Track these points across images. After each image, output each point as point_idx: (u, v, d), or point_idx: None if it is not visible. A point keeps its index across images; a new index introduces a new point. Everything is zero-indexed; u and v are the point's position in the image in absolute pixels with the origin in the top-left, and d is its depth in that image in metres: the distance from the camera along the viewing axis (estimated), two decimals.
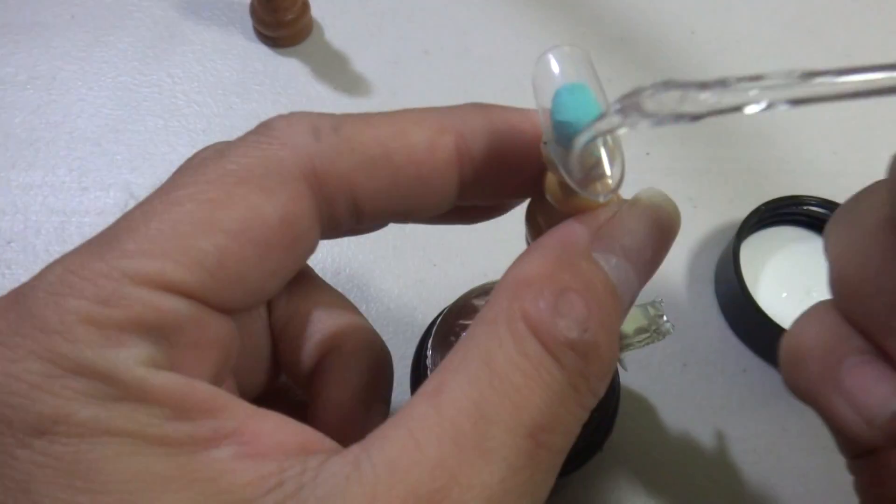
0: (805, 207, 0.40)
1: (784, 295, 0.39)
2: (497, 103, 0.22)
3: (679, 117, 0.16)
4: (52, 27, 0.49)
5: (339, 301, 0.24)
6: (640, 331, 0.25)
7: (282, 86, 0.47)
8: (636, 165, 0.45)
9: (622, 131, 0.17)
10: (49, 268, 0.17)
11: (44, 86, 0.46)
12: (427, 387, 0.17)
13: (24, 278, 0.17)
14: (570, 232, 0.19)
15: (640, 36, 0.51)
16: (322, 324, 0.23)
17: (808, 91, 0.16)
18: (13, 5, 0.50)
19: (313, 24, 0.50)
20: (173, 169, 0.20)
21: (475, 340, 0.18)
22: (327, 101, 0.46)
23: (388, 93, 0.47)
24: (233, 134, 0.20)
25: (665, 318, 0.24)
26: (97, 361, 0.16)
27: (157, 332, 0.17)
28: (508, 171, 0.21)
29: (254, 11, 0.48)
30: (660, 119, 0.16)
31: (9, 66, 0.47)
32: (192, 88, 0.47)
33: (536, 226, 0.22)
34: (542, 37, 0.51)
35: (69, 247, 0.18)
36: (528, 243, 0.23)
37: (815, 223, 0.40)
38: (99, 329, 0.16)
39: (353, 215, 0.20)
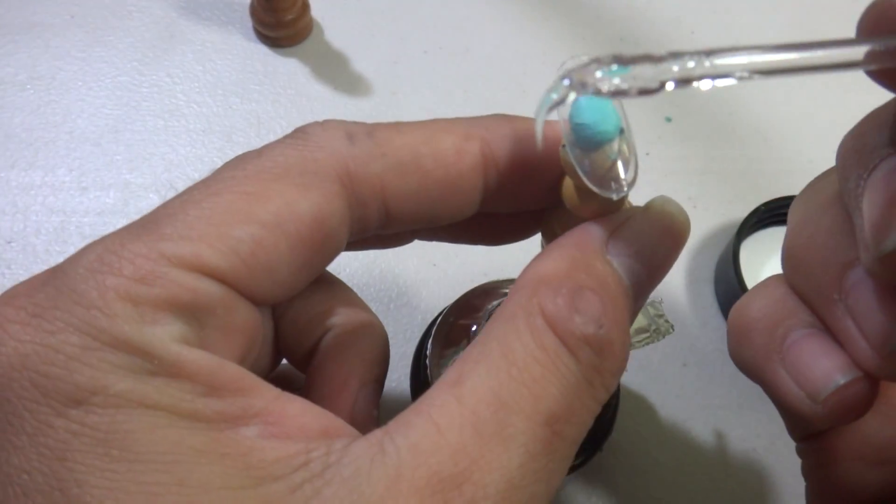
0: None
1: None
2: (521, 115, 0.23)
3: (625, 92, 0.16)
4: (52, 27, 0.49)
5: (336, 282, 0.25)
6: (640, 331, 0.25)
7: (282, 86, 0.47)
8: None
9: (571, 98, 0.17)
10: (89, 247, 0.18)
11: (44, 86, 0.46)
12: (448, 377, 0.18)
13: (24, 278, 0.18)
14: (586, 233, 0.20)
15: (640, 36, 0.51)
16: (321, 305, 0.24)
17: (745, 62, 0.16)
18: (13, 5, 0.50)
19: (313, 24, 0.50)
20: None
21: (494, 334, 0.18)
22: (327, 101, 0.46)
23: (388, 93, 0.47)
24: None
25: (665, 318, 0.24)
26: (134, 336, 0.16)
27: (191, 311, 0.17)
28: (530, 177, 0.22)
29: (254, 11, 0.48)
30: (603, 92, 0.16)
31: (9, 66, 0.47)
32: (192, 88, 0.47)
33: (552, 233, 0.23)
34: (542, 36, 0.51)
35: (69, 247, 0.18)
36: (543, 246, 0.24)
37: None
38: (135, 306, 0.17)
39: (382, 217, 0.21)
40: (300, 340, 0.23)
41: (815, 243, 0.20)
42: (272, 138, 0.48)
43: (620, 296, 0.19)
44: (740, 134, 0.47)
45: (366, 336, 0.24)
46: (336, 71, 0.48)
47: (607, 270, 0.19)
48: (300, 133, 0.21)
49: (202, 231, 0.18)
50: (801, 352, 0.20)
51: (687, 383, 0.38)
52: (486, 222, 0.24)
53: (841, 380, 0.19)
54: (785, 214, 0.41)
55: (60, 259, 0.18)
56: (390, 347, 0.25)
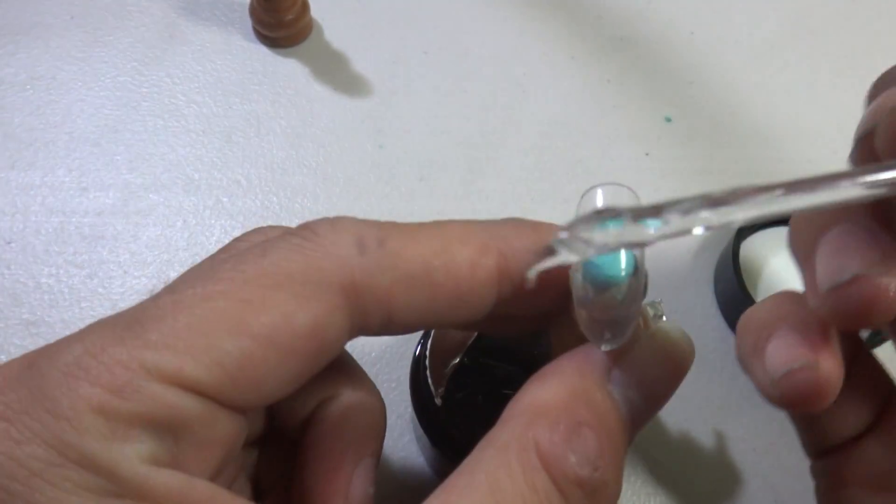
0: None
1: None
2: (542, 221, 0.22)
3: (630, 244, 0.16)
4: (52, 27, 0.49)
5: (342, 352, 0.24)
6: None
7: (281, 86, 0.47)
8: (636, 165, 0.45)
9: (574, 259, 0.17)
10: (70, 344, 0.17)
11: (44, 86, 0.46)
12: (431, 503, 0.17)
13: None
14: (588, 359, 0.20)
15: (640, 36, 0.51)
16: (318, 376, 0.23)
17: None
18: (13, 6, 0.50)
19: (313, 24, 0.50)
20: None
21: (483, 465, 0.18)
22: (327, 101, 0.46)
23: (388, 93, 0.47)
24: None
25: (665, 318, 0.23)
26: (101, 455, 0.16)
27: (165, 428, 0.17)
28: (547, 289, 0.21)
29: (253, 11, 0.48)
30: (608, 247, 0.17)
31: (9, 66, 0.47)
32: (192, 88, 0.47)
33: (560, 338, 0.22)
34: (542, 37, 0.51)
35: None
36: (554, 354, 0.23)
37: None
38: (107, 420, 0.16)
39: (384, 325, 0.20)
40: (294, 411, 0.23)
41: (803, 216, 0.22)
42: (272, 138, 0.48)
43: (619, 431, 0.19)
44: (740, 134, 0.47)
45: (364, 410, 0.23)
46: (336, 71, 0.48)
47: (607, 403, 0.19)
48: (308, 233, 0.19)
49: (189, 341, 0.17)
50: (775, 344, 0.21)
51: (687, 383, 0.38)
52: (494, 319, 0.22)
53: (795, 365, 0.20)
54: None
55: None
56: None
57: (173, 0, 0.50)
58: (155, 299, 0.18)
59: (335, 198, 0.43)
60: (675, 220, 0.16)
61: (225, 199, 0.42)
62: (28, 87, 0.46)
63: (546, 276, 0.20)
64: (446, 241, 0.20)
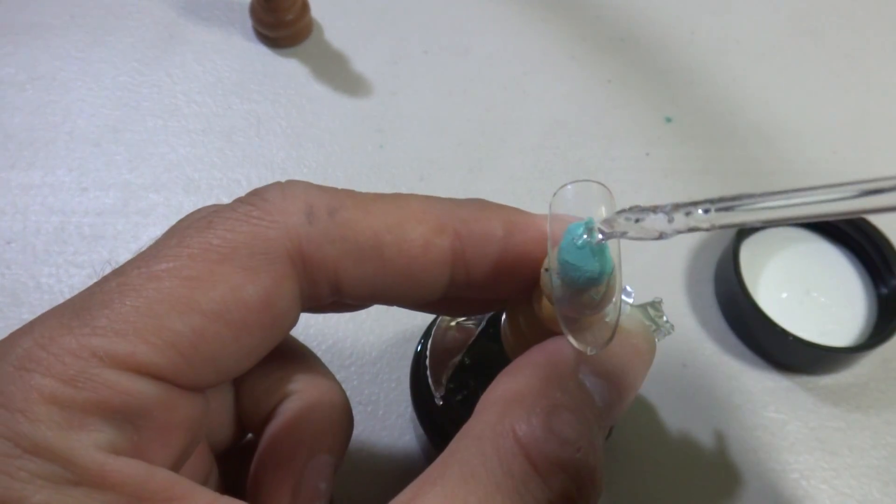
0: None
1: (784, 295, 0.39)
2: (501, 203, 0.21)
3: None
4: (52, 27, 0.49)
5: (297, 348, 0.24)
6: None
7: (281, 86, 0.47)
8: (636, 165, 0.45)
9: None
10: (19, 337, 0.17)
11: (44, 86, 0.46)
12: (402, 497, 0.17)
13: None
14: (558, 351, 0.19)
15: (640, 36, 0.51)
16: (278, 371, 0.23)
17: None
18: (13, 5, 0.50)
19: (313, 24, 0.50)
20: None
21: (457, 455, 0.17)
22: (327, 101, 0.46)
23: (388, 93, 0.47)
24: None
25: (665, 318, 0.23)
26: (56, 443, 0.15)
27: (122, 415, 0.16)
28: (503, 276, 0.21)
29: (254, 11, 0.48)
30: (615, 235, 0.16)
31: (9, 66, 0.47)
32: (192, 88, 0.47)
33: (516, 325, 0.22)
34: (542, 37, 0.51)
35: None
36: (504, 334, 0.23)
37: (814, 223, 0.40)
38: (61, 409, 0.16)
39: (334, 296, 0.20)
40: (257, 407, 0.23)
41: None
42: (272, 138, 0.48)
43: (595, 417, 0.18)
44: (740, 134, 0.47)
45: (321, 405, 0.23)
46: (336, 71, 0.48)
47: (582, 390, 0.19)
48: (258, 199, 0.19)
49: (138, 324, 0.16)
50: None
51: (687, 383, 0.38)
52: (449, 301, 0.22)
53: None
54: None
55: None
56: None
57: (173, 0, 0.50)
58: (101, 283, 0.18)
59: None
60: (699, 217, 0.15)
61: (225, 199, 0.42)
62: (28, 86, 0.46)
63: (503, 264, 0.20)
64: (401, 217, 0.19)
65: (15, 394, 0.16)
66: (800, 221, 0.16)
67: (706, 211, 0.15)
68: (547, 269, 0.18)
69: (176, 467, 0.18)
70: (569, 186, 0.18)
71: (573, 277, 0.18)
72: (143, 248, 0.19)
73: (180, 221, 0.19)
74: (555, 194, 0.18)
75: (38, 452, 0.15)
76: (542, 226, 0.20)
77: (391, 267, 0.19)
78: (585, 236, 0.17)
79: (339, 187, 0.20)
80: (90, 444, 0.16)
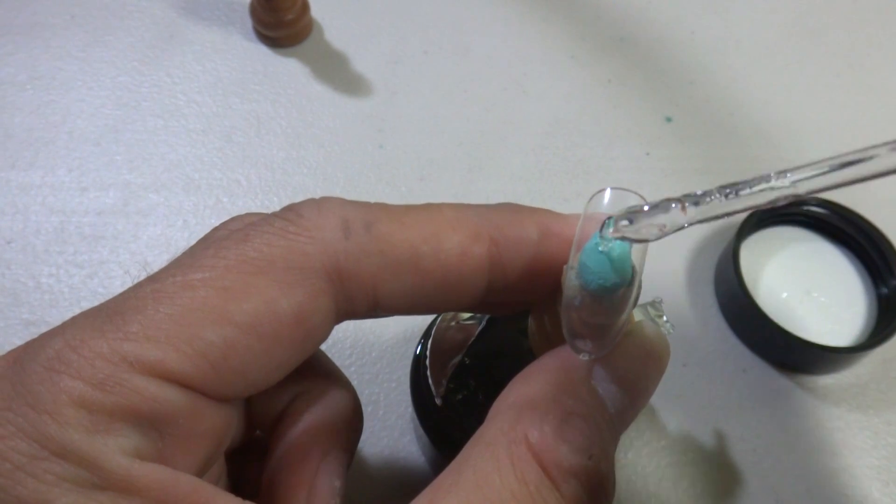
0: (805, 207, 0.40)
1: (784, 295, 0.39)
2: (533, 206, 0.21)
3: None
4: (52, 27, 0.49)
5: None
6: None
7: (282, 86, 0.47)
8: (636, 165, 0.45)
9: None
10: (50, 339, 0.17)
11: (44, 86, 0.46)
12: (418, 502, 0.17)
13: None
14: (571, 357, 0.19)
15: (640, 36, 0.51)
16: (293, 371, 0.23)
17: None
18: (13, 5, 0.50)
19: (313, 24, 0.50)
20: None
21: (471, 462, 0.17)
22: (327, 101, 0.46)
23: (388, 93, 0.47)
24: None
25: (665, 318, 0.23)
26: (83, 447, 0.15)
27: (149, 421, 0.16)
28: (536, 277, 0.21)
29: (254, 11, 0.48)
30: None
31: (9, 66, 0.47)
32: (192, 88, 0.47)
33: (541, 322, 0.22)
34: (542, 37, 0.51)
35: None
36: (530, 333, 0.23)
37: (814, 223, 0.40)
38: (90, 413, 0.16)
39: (371, 310, 0.20)
40: (268, 406, 0.23)
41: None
42: (272, 138, 0.48)
43: (607, 424, 0.18)
44: (740, 134, 0.47)
45: (333, 402, 0.23)
46: (336, 71, 0.48)
47: (594, 397, 0.19)
48: (293, 215, 0.19)
49: (170, 332, 0.16)
50: None
51: (687, 383, 0.38)
52: (483, 305, 0.22)
53: None
54: (785, 214, 0.41)
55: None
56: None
57: (173, 0, 0.50)
58: (136, 289, 0.18)
59: None
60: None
61: (225, 199, 0.42)
62: (28, 86, 0.46)
63: (537, 266, 0.20)
64: (436, 227, 0.19)
65: (43, 395, 0.16)
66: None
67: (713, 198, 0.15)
68: (570, 267, 0.18)
69: (199, 475, 0.18)
70: (607, 191, 0.18)
71: (587, 281, 0.18)
72: (177, 256, 0.19)
73: (215, 231, 0.19)
74: (591, 198, 0.18)
75: (64, 455, 0.15)
76: (575, 227, 0.20)
77: (429, 278, 0.19)
78: (604, 240, 0.17)
79: (341, 187, 0.20)
80: (116, 448, 0.16)
